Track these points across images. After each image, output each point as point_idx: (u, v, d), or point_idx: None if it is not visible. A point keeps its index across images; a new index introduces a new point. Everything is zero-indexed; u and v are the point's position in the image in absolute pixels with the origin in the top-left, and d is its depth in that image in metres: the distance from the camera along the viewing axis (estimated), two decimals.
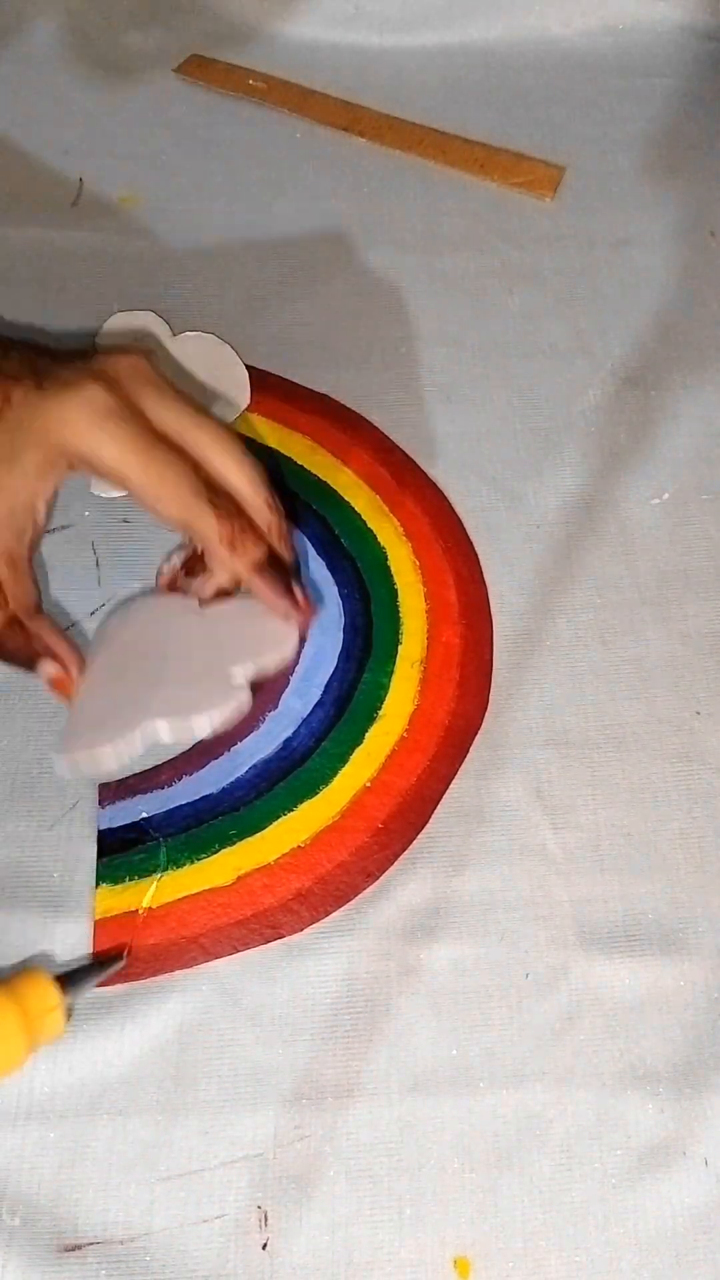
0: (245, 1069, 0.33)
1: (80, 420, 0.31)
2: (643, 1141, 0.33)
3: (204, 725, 0.33)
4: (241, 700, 0.34)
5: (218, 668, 0.35)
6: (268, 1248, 0.31)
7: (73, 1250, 0.30)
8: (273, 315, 0.48)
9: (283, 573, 0.35)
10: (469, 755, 0.38)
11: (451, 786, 0.38)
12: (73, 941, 0.34)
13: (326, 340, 0.48)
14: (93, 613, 0.40)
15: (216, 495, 0.33)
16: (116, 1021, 0.33)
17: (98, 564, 0.41)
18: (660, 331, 0.48)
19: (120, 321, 0.46)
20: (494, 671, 0.40)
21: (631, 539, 0.43)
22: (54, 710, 0.38)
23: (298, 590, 0.36)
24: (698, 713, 0.40)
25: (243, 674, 0.35)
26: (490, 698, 0.39)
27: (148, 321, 0.46)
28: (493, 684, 0.40)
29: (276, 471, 0.42)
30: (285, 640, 0.35)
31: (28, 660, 0.34)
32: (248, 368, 0.46)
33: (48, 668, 0.34)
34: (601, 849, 0.37)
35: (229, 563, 0.33)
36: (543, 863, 0.37)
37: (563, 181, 0.53)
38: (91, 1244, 0.31)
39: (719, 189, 0.53)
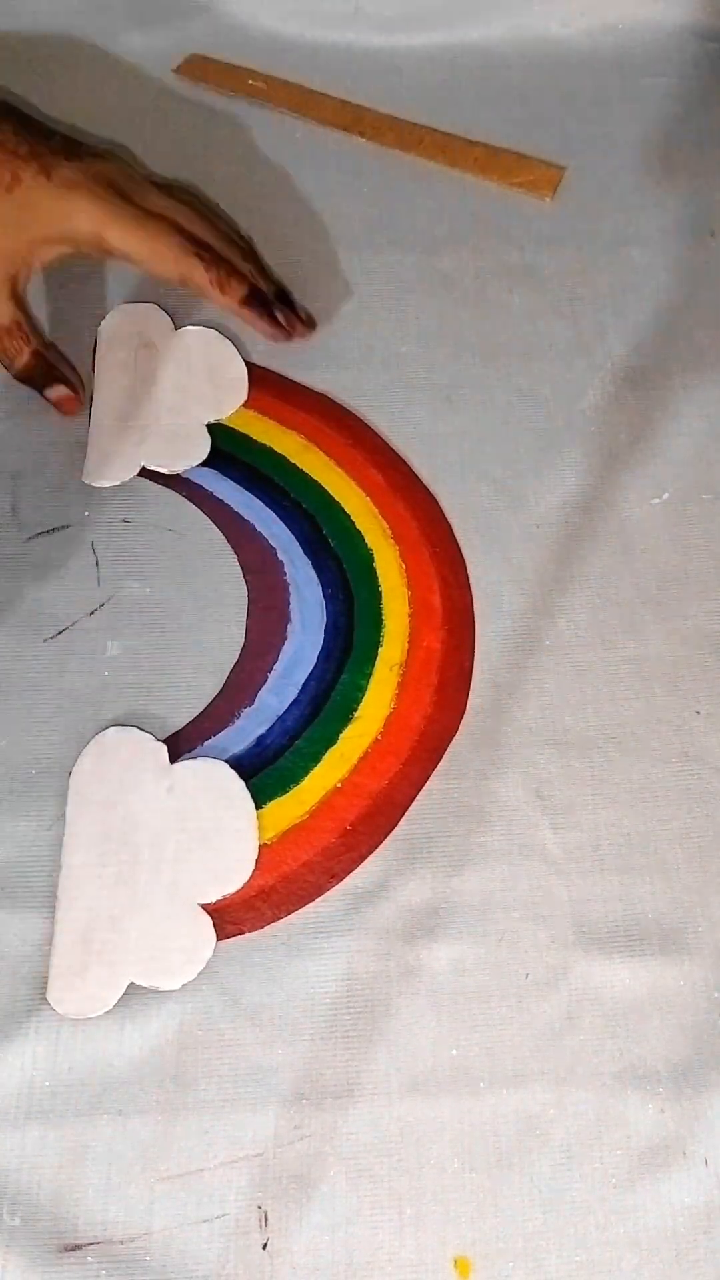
0: (245, 1069, 0.33)
1: (89, 209, 0.41)
2: (643, 1141, 0.33)
3: (174, 985, 0.34)
4: (207, 956, 0.34)
5: (184, 896, 0.35)
6: (268, 1248, 0.31)
7: (73, 1250, 0.30)
8: None
9: (266, 304, 0.44)
10: (467, 756, 0.38)
11: (451, 786, 0.38)
12: None
13: (326, 340, 0.48)
14: (92, 612, 0.40)
15: (202, 250, 0.43)
16: (116, 1021, 0.34)
17: (98, 564, 0.41)
18: (660, 331, 0.48)
19: (123, 314, 0.47)
20: (494, 673, 0.40)
21: (631, 539, 0.43)
22: (53, 711, 0.38)
23: (281, 316, 0.45)
24: (698, 713, 0.40)
25: (201, 902, 0.35)
26: (469, 703, 0.39)
27: (149, 314, 0.47)
28: (492, 685, 0.40)
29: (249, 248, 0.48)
30: (242, 868, 0.36)
31: (43, 384, 0.43)
32: (246, 364, 0.46)
33: (59, 390, 0.43)
34: (601, 849, 0.37)
35: (221, 301, 0.43)
36: (543, 863, 0.37)
37: (563, 181, 0.53)
38: (91, 1244, 0.31)
39: (719, 189, 0.53)
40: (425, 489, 0.44)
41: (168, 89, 0.56)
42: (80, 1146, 0.32)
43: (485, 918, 0.36)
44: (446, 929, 0.35)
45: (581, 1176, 0.32)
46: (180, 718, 0.38)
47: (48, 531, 0.42)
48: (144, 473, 0.43)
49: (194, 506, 0.43)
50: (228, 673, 0.39)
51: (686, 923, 0.36)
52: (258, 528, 0.42)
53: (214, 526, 0.42)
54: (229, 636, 0.40)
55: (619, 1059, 0.34)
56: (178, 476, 0.43)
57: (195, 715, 0.38)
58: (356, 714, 0.39)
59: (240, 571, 0.41)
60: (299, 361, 0.47)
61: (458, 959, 0.35)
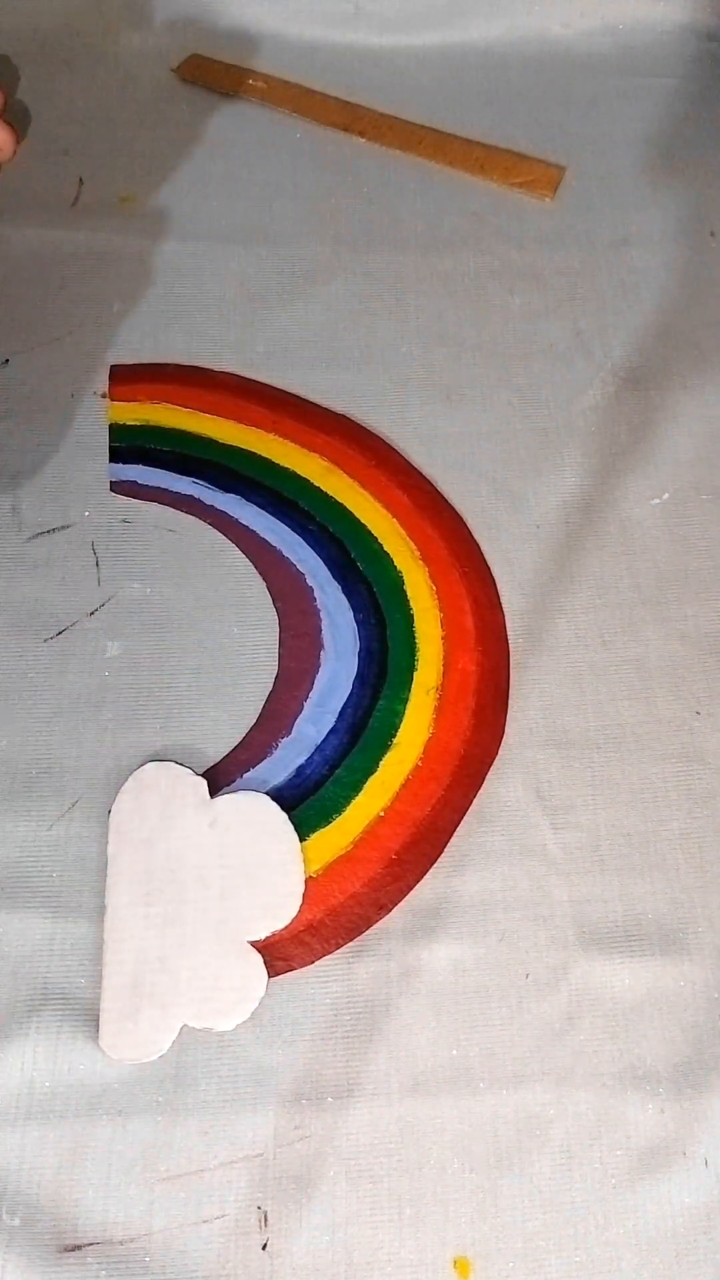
0: (245, 1069, 0.33)
1: None
2: (643, 1141, 0.33)
3: (228, 1026, 0.34)
4: (259, 994, 0.34)
5: (233, 933, 0.34)
6: (268, 1248, 0.31)
7: (73, 1250, 0.30)
8: (273, 315, 0.48)
9: None
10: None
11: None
12: (72, 941, 0.34)
13: (326, 340, 0.48)
14: (92, 612, 0.40)
15: None
16: None
17: (98, 564, 0.41)
18: (660, 331, 0.48)
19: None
20: None
21: (631, 539, 0.43)
22: (53, 711, 0.38)
23: None
24: (698, 713, 0.40)
25: (251, 939, 0.35)
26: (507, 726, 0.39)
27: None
28: None
29: None
30: (290, 903, 0.35)
31: None
32: (245, 375, 0.46)
33: None
34: (601, 849, 0.37)
35: None
36: (543, 863, 0.37)
37: (563, 181, 0.53)
38: (91, 1244, 0.31)
39: (719, 189, 0.53)
40: (451, 508, 0.43)
41: (168, 89, 0.56)
42: (80, 1147, 0.32)
43: (485, 918, 0.36)
44: (446, 929, 0.35)
45: (581, 1176, 0.32)
46: (217, 750, 0.38)
47: (48, 531, 0.42)
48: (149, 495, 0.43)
49: (219, 532, 0.42)
50: (263, 702, 0.39)
51: (686, 923, 0.36)
52: (285, 554, 0.42)
53: (237, 550, 0.42)
54: (262, 665, 0.40)
55: (619, 1059, 0.34)
56: (200, 503, 0.43)
57: (233, 747, 0.38)
58: (395, 740, 0.38)
59: (270, 599, 0.41)
60: (299, 363, 0.47)
61: (458, 959, 0.35)
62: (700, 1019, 0.34)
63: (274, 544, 0.42)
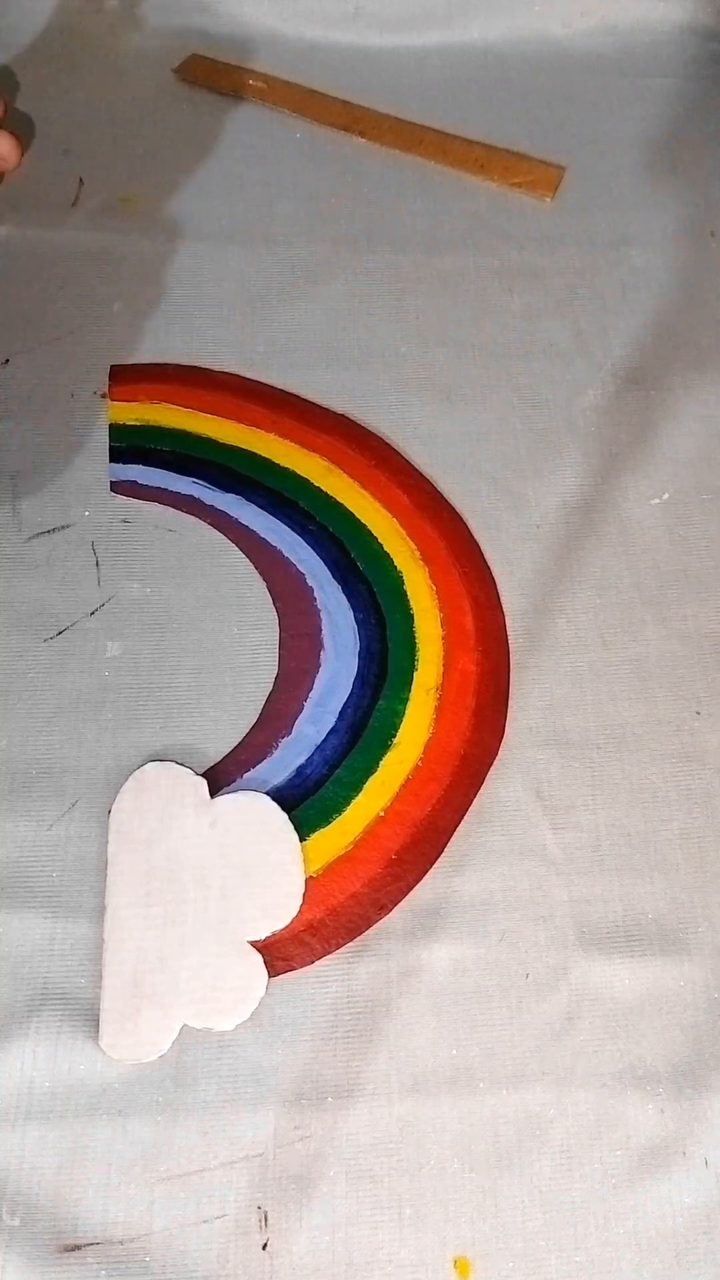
0: (245, 1069, 0.33)
1: None
2: (643, 1141, 0.33)
3: (228, 1025, 0.34)
4: (259, 994, 0.34)
5: (233, 933, 0.34)
6: (268, 1248, 0.31)
7: (73, 1250, 0.30)
8: (273, 315, 0.48)
9: None
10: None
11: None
12: (72, 941, 0.34)
13: (326, 340, 0.48)
14: (92, 612, 0.40)
15: None
16: None
17: (98, 564, 0.41)
18: (660, 331, 0.48)
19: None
20: None
21: (631, 539, 0.43)
22: (53, 711, 0.38)
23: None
24: (698, 713, 0.40)
25: (251, 939, 0.35)
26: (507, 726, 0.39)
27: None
28: None
29: None
30: (290, 903, 0.35)
31: None
32: (245, 375, 0.46)
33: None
34: (601, 849, 0.37)
35: None
36: (543, 863, 0.37)
37: (563, 181, 0.53)
38: (91, 1244, 0.31)
39: (719, 189, 0.53)
40: (451, 507, 0.43)
41: (168, 89, 0.56)
42: (80, 1147, 0.32)
43: (485, 918, 0.36)
44: (446, 929, 0.35)
45: (581, 1176, 0.32)
46: (218, 750, 0.38)
47: (48, 531, 0.42)
48: (147, 495, 0.43)
49: (219, 532, 0.42)
50: (263, 702, 0.39)
51: (686, 923, 0.36)
52: (285, 554, 0.42)
53: (237, 550, 0.42)
54: (262, 665, 0.40)
55: (619, 1059, 0.34)
56: (200, 503, 0.43)
57: (233, 747, 0.38)
58: (395, 740, 0.38)
59: (270, 599, 0.41)
60: (299, 363, 0.47)
61: (458, 959, 0.35)
62: (700, 1019, 0.34)
63: (274, 544, 0.42)
